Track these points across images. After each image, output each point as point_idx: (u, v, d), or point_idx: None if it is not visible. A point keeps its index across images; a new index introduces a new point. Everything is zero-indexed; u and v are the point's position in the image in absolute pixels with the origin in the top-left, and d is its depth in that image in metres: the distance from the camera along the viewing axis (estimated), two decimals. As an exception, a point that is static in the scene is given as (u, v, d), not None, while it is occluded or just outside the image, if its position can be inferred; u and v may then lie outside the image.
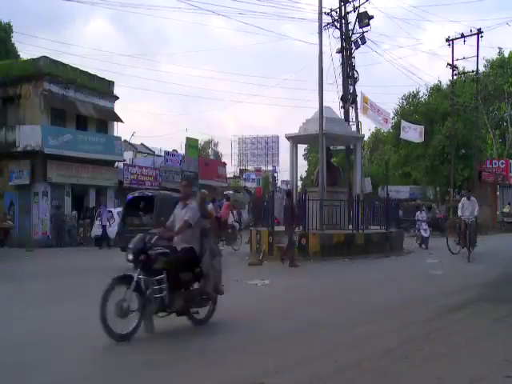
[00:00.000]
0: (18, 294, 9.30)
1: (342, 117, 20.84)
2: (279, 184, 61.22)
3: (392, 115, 39.99)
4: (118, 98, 29.09)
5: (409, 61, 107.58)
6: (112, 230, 22.55)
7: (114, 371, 4.68)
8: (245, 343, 5.49)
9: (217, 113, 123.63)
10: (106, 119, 28.19)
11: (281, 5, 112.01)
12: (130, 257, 5.76)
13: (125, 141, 35.35)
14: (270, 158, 65.92)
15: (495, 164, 38.03)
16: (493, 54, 44.53)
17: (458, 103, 35.22)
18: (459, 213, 14.68)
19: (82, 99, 26.21)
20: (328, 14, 22.16)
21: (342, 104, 22.43)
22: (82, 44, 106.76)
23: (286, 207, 13.75)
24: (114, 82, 28.99)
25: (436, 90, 41.71)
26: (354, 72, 22.90)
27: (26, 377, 4.54)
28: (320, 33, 16.17)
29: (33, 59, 25.71)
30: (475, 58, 32.92)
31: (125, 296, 5.46)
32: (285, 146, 72.96)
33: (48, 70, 24.48)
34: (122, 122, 28.70)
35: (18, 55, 34.27)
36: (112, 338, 5.35)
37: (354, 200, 16.35)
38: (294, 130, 17.87)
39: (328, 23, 22.12)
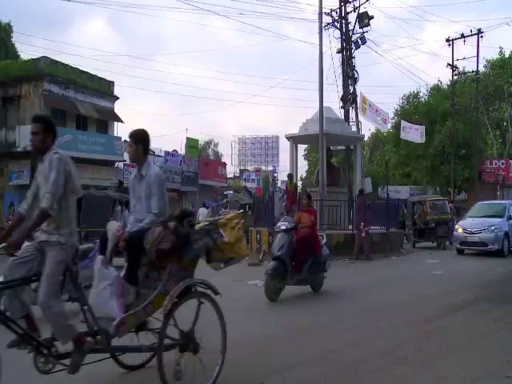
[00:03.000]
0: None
1: (342, 117, 20.84)
2: (279, 184, 61.27)
3: (392, 115, 40.08)
4: (118, 98, 29.14)
5: (409, 61, 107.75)
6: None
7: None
8: (244, 343, 5.48)
9: (217, 113, 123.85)
10: (106, 119, 28.21)
11: (281, 5, 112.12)
12: None
13: (125, 141, 35.29)
14: (270, 158, 66.03)
15: (495, 164, 38.05)
16: (493, 54, 44.67)
17: (458, 103, 35.24)
18: None
19: (82, 99, 26.24)
20: (328, 14, 22.18)
21: (342, 104, 22.44)
22: (82, 44, 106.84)
23: (360, 205, 14.44)
24: (113, 82, 29.06)
25: (436, 90, 41.75)
26: (354, 72, 22.90)
27: None
28: (320, 33, 16.19)
29: (33, 59, 25.76)
30: (475, 58, 32.97)
31: None
32: (285, 146, 73.03)
33: (48, 70, 24.51)
34: (122, 122, 28.74)
35: (18, 55, 34.29)
36: None
37: (353, 200, 16.35)
38: (294, 130, 17.92)
39: (328, 23, 22.14)
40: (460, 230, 15.86)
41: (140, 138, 4.31)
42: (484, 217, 15.98)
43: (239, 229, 4.48)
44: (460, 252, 15.98)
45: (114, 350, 3.94)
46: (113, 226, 4.25)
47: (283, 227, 8.48)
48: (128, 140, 4.39)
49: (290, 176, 17.28)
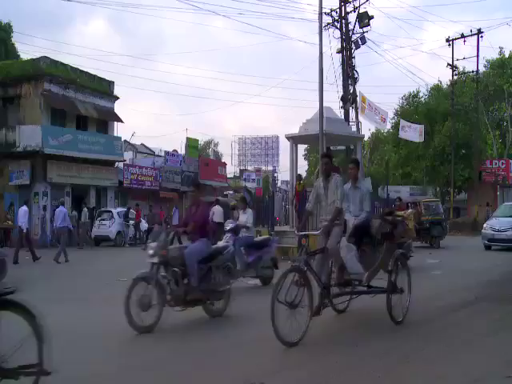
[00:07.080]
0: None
1: (342, 117, 20.82)
2: (279, 184, 61.26)
3: (392, 115, 40.06)
4: (118, 98, 29.09)
5: (409, 61, 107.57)
6: (112, 230, 22.63)
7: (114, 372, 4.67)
8: (245, 343, 5.49)
9: (217, 113, 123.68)
10: (106, 119, 28.19)
11: (281, 5, 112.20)
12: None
13: (125, 141, 35.33)
14: (270, 158, 65.88)
15: (495, 164, 38.02)
16: (493, 54, 44.63)
17: (458, 103, 35.25)
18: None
19: (82, 99, 26.22)
20: (328, 14, 22.13)
21: (342, 104, 22.41)
22: (83, 44, 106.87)
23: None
24: (113, 82, 29.01)
25: (436, 90, 41.76)
26: (354, 72, 22.88)
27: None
28: (320, 33, 16.16)
29: (33, 59, 25.72)
30: (475, 58, 33.00)
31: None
32: (285, 146, 73.03)
33: (48, 70, 24.48)
34: (122, 122, 28.72)
35: (18, 55, 34.29)
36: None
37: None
38: (294, 130, 17.90)
39: (328, 23, 22.09)
40: (488, 229, 17.52)
41: (358, 163, 6.89)
42: (509, 216, 17.55)
43: (411, 220, 8.51)
44: (488, 248, 17.50)
45: (359, 293, 6.42)
46: (350, 218, 6.44)
47: None
48: (352, 164, 6.77)
49: (299, 177, 17.72)
